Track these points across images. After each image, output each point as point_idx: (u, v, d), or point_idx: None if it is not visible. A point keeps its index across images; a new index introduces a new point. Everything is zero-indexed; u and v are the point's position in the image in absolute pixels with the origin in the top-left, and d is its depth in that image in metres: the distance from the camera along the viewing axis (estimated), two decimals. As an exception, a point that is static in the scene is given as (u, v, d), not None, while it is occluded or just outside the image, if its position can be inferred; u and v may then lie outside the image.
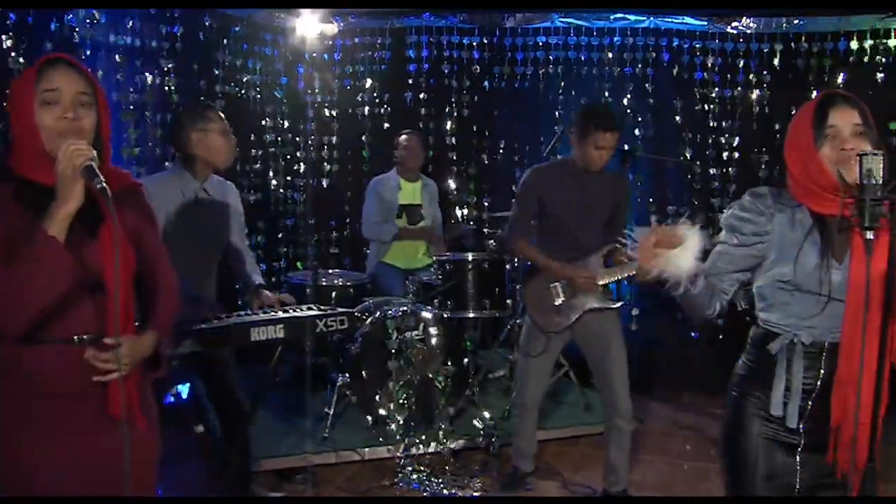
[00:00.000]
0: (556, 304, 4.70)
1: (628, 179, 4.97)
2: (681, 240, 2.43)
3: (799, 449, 2.59)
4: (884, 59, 6.85)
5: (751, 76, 7.19)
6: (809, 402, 2.54)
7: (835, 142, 2.45)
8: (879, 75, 6.86)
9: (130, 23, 5.73)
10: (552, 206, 4.69)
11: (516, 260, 6.26)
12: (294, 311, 3.98)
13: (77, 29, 5.12)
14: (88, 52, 5.25)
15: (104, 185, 2.25)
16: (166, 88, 6.12)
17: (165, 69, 6.09)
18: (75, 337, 2.43)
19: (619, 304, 4.79)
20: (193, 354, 3.68)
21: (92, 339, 2.42)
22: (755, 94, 7.20)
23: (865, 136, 2.46)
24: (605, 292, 4.72)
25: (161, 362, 2.64)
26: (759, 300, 2.67)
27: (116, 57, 5.62)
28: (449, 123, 7.79)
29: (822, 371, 2.52)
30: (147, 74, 5.93)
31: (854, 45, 6.90)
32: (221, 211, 4.31)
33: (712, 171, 7.26)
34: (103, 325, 2.41)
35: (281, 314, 3.88)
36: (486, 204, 7.71)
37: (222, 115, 4.21)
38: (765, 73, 7.15)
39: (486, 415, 5.75)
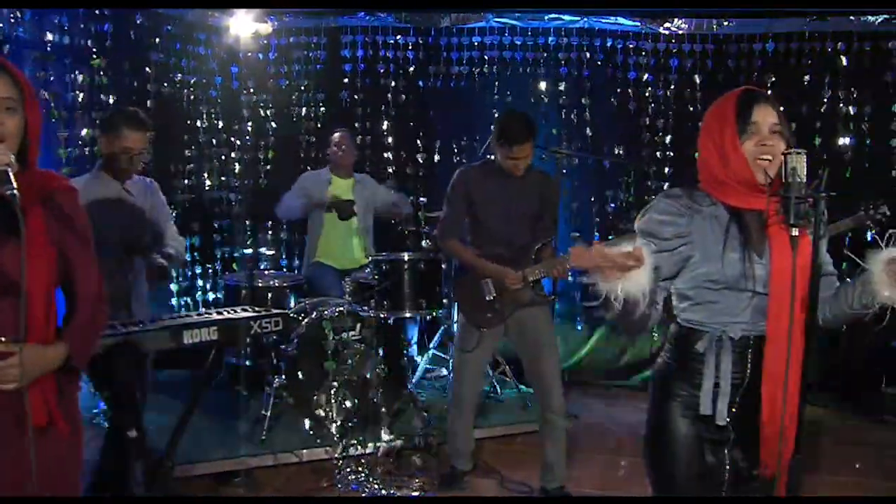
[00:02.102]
0: (488, 299, 4.72)
1: (553, 177, 5.00)
2: (635, 261, 2.27)
3: (728, 445, 2.61)
4: (810, 62, 7.01)
5: (683, 76, 7.30)
6: (736, 398, 2.56)
7: (755, 138, 2.49)
8: (806, 77, 7.02)
9: (58, 20, 5.62)
10: (479, 206, 4.73)
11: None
12: (228, 312, 3.95)
13: (0, 25, 5.01)
14: (12, 50, 5.13)
15: (15, 191, 2.21)
16: (97, 88, 6.01)
17: (96, 68, 5.98)
18: None
19: (551, 299, 4.85)
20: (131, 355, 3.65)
21: (7, 343, 2.35)
22: (688, 94, 7.32)
23: (781, 134, 2.51)
24: (537, 288, 4.76)
25: (75, 374, 2.58)
26: (679, 300, 2.66)
27: (44, 55, 5.51)
28: (385, 123, 7.78)
29: (749, 366, 2.55)
30: (77, 73, 5.82)
31: (781, 47, 7.05)
32: (144, 210, 4.32)
33: (648, 169, 7.36)
34: (22, 330, 2.36)
35: (215, 316, 3.84)
36: (422, 203, 7.71)
37: (140, 133, 4.16)
38: (697, 73, 7.27)
39: (424, 414, 5.76)
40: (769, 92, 2.56)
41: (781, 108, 2.56)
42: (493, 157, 4.80)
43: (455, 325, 6.63)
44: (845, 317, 2.56)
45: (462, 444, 5.07)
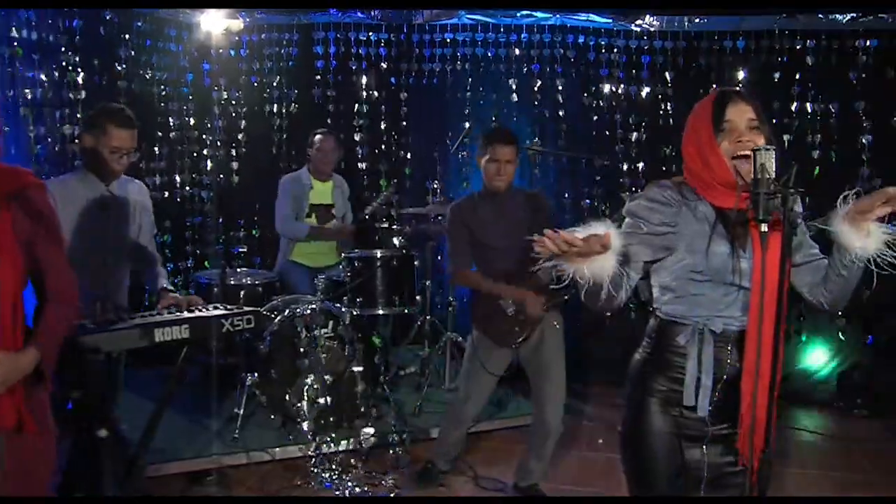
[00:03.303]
0: (510, 314, 4.63)
1: (545, 197, 5.00)
2: (601, 247, 2.29)
3: (706, 440, 2.62)
4: (779, 59, 7.06)
5: (655, 73, 7.33)
6: (716, 392, 2.58)
7: (731, 136, 2.53)
8: (776, 74, 7.07)
9: (26, 16, 5.56)
10: (478, 234, 4.70)
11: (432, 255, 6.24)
12: (200, 310, 3.92)
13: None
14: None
15: None
16: (67, 85, 5.96)
17: (65, 65, 5.93)
18: None
19: (565, 298, 4.78)
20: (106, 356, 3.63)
21: None
22: (660, 91, 7.35)
23: (759, 130, 2.54)
24: (554, 312, 4.73)
25: (43, 377, 2.56)
26: (661, 293, 2.67)
27: (11, 51, 5.45)
28: (357, 120, 7.77)
29: (729, 360, 2.57)
30: (45, 70, 5.76)
31: (752, 44, 7.09)
32: (128, 212, 4.20)
33: (621, 166, 7.38)
34: None
35: (186, 314, 3.82)
36: (394, 200, 7.71)
37: (126, 131, 3.98)
38: (668, 70, 7.30)
39: (398, 412, 5.75)
40: (737, 89, 2.57)
41: (759, 105, 2.58)
42: (478, 191, 4.80)
43: (431, 324, 6.65)
44: (841, 289, 2.56)
45: (451, 448, 5.07)
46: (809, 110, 7.03)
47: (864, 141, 6.96)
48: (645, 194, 2.66)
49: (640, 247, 2.59)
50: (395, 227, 6.62)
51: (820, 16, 6.86)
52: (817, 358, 7.02)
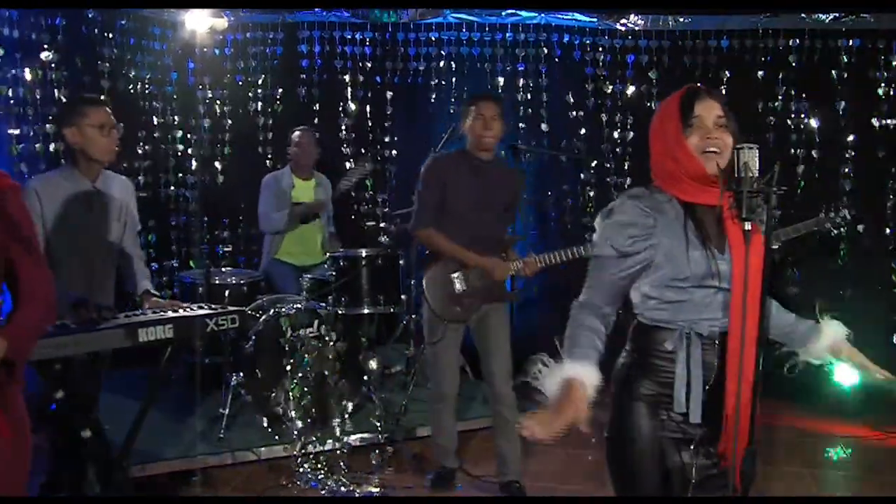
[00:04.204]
0: (457, 292, 4.68)
1: (523, 173, 5.01)
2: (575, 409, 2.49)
3: (695, 442, 2.59)
4: (763, 59, 7.09)
5: (640, 72, 7.35)
6: (704, 394, 2.56)
7: (700, 132, 2.52)
8: (759, 73, 7.10)
9: (7, 14, 5.53)
10: (452, 194, 4.65)
11: (419, 251, 6.22)
12: (184, 310, 3.91)
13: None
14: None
15: None
16: (49, 83, 5.92)
17: (47, 63, 5.89)
18: None
19: (516, 295, 4.84)
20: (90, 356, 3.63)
21: None
22: (644, 90, 7.36)
23: (727, 127, 2.54)
24: (502, 286, 4.75)
25: (14, 370, 2.54)
26: (643, 300, 2.63)
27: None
28: (342, 119, 7.75)
29: (715, 361, 2.54)
30: (27, 68, 5.73)
31: (736, 43, 7.12)
32: (113, 209, 4.17)
33: (607, 165, 7.40)
34: None
35: (170, 314, 3.80)
36: (380, 199, 7.70)
37: (103, 108, 4.02)
38: (653, 69, 7.32)
39: (384, 411, 5.74)
40: (722, 88, 2.58)
41: (727, 103, 2.59)
42: (457, 148, 4.79)
43: (422, 319, 6.64)
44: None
45: (446, 440, 5.01)
46: (792, 109, 7.07)
47: (845, 140, 7.01)
48: (617, 209, 2.61)
49: (616, 282, 2.59)
50: (380, 225, 6.60)
51: (803, 16, 6.91)
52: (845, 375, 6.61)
